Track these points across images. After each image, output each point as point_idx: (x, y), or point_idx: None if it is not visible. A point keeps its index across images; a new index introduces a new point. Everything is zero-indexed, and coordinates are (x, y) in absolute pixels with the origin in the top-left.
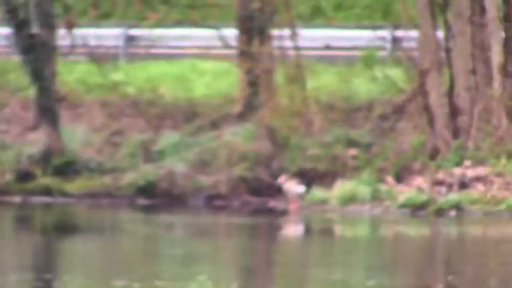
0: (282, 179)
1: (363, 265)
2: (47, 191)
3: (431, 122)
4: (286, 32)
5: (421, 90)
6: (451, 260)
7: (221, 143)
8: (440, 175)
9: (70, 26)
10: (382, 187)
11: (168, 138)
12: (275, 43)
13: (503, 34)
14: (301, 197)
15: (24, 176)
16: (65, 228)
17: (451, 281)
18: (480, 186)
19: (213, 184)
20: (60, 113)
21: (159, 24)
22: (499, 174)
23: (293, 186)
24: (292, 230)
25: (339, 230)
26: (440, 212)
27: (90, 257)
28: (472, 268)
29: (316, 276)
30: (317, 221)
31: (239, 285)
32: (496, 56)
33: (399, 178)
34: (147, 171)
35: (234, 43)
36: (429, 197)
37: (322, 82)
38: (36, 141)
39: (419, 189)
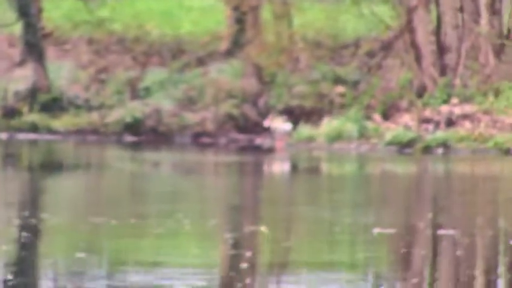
0: (267, 121)
1: (348, 203)
2: (34, 128)
3: (418, 59)
4: None
5: (408, 28)
6: (437, 198)
7: (208, 80)
8: (427, 113)
9: None
10: (369, 125)
11: (155, 75)
12: None
13: None
14: (288, 134)
15: (10, 113)
16: (51, 165)
17: (434, 218)
18: (467, 124)
19: (200, 121)
20: (46, 50)
21: None
22: (486, 112)
23: (280, 124)
24: (279, 167)
25: (325, 167)
26: (427, 150)
27: (74, 194)
28: (459, 206)
29: (299, 214)
30: (304, 158)
31: (219, 222)
32: None
33: (386, 116)
34: (133, 109)
35: None
36: (416, 135)
37: (309, 19)
38: (23, 78)
39: (407, 127)
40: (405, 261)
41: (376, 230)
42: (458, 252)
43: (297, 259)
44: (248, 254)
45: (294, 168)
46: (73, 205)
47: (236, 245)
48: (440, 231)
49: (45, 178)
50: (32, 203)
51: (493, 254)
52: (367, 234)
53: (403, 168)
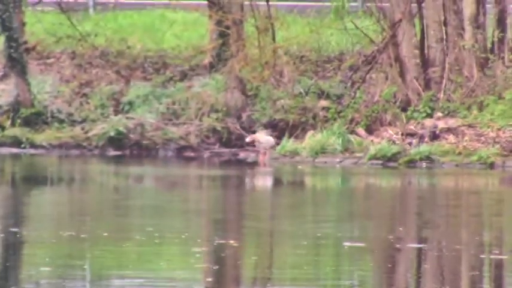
0: (249, 138)
1: (326, 217)
2: (16, 142)
3: (402, 73)
4: None
5: (393, 42)
6: (417, 212)
7: (191, 94)
8: (411, 126)
9: None
10: (353, 138)
11: (138, 89)
12: None
13: None
14: (271, 148)
15: None
16: (33, 179)
17: (408, 232)
18: (451, 138)
19: (183, 135)
20: (28, 64)
21: None
22: (470, 126)
23: (263, 138)
24: (262, 181)
25: (309, 181)
26: (411, 164)
27: (51, 208)
28: (438, 219)
29: (274, 227)
30: (287, 172)
31: (190, 236)
32: (468, 7)
33: (370, 129)
34: (117, 123)
35: None
36: (400, 149)
37: (293, 33)
38: (5, 92)
39: (391, 141)
40: (367, 275)
41: (347, 244)
42: (425, 266)
43: (259, 274)
44: (213, 267)
45: (277, 182)
46: (47, 218)
47: (203, 258)
48: (409, 245)
49: (26, 192)
50: (7, 215)
51: (459, 267)
52: (337, 247)
53: (387, 181)
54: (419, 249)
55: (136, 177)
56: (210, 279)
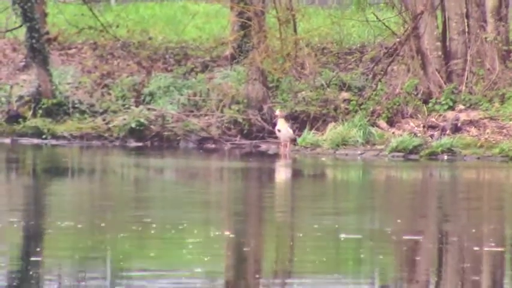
0: (277, 113)
1: (338, 209)
2: (37, 133)
3: (424, 65)
4: None
5: (414, 34)
6: (432, 203)
7: (212, 86)
8: (433, 119)
9: None
10: (375, 131)
11: (159, 80)
12: None
13: None
14: (293, 140)
15: (14, 118)
16: (54, 170)
17: (411, 223)
18: (473, 130)
19: (204, 127)
20: (50, 55)
21: None
22: (492, 118)
23: (284, 129)
24: (283, 173)
25: (330, 173)
26: (433, 156)
27: (72, 199)
28: (465, 213)
29: (280, 220)
30: (309, 164)
31: (187, 227)
32: None
33: (392, 122)
34: (138, 114)
35: None
36: (422, 141)
37: (314, 25)
38: (27, 83)
39: (412, 133)
40: (350, 265)
41: (343, 236)
42: (416, 258)
43: (248, 265)
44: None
45: (298, 174)
46: (52, 209)
47: (194, 248)
48: (406, 237)
49: (45, 183)
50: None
51: (448, 259)
52: (333, 239)
53: (408, 174)
54: (416, 241)
55: (157, 169)
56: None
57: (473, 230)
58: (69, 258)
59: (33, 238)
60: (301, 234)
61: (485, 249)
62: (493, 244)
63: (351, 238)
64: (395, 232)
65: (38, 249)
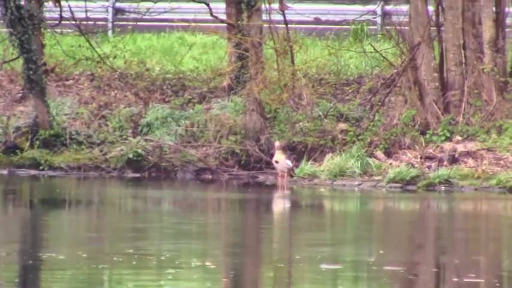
0: (276, 144)
1: (330, 240)
2: (35, 164)
3: (421, 96)
4: (275, 5)
5: (412, 65)
6: (440, 236)
7: (210, 117)
8: (430, 150)
9: None
10: (372, 161)
11: (157, 111)
12: (264, 16)
13: (494, 9)
14: (290, 171)
15: (11, 149)
16: (51, 201)
17: (396, 254)
18: (470, 162)
19: (202, 158)
20: (47, 86)
21: None
22: (490, 150)
23: (282, 160)
24: (281, 204)
25: (328, 204)
26: (430, 187)
27: (69, 230)
28: (454, 244)
29: (268, 251)
30: (306, 195)
31: (171, 256)
32: (487, 30)
33: (389, 153)
34: (135, 145)
35: (222, 16)
36: (419, 172)
37: (311, 56)
38: (24, 114)
39: (409, 164)
40: None
41: (324, 266)
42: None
43: None
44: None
45: (296, 205)
46: (40, 240)
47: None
48: (387, 267)
49: (42, 215)
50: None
51: None
52: (312, 269)
53: (406, 205)
54: (396, 272)
55: (154, 200)
56: None
57: (457, 261)
58: None
59: (22, 270)
60: (282, 265)
61: (465, 280)
62: (473, 275)
63: (331, 269)
64: (377, 263)
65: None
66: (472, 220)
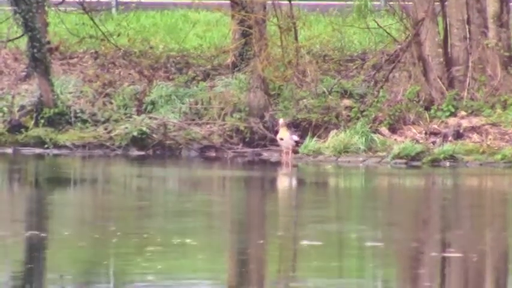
0: (280, 121)
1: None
2: (39, 142)
3: (425, 72)
4: None
5: (416, 40)
6: (445, 212)
7: (214, 94)
8: (435, 125)
9: None
10: (377, 137)
11: (161, 89)
12: None
13: None
14: (295, 147)
15: (16, 127)
16: (56, 180)
17: (380, 231)
18: (475, 137)
19: (206, 135)
20: (52, 64)
21: None
22: (494, 125)
23: (286, 137)
24: (286, 181)
25: (333, 181)
26: (435, 163)
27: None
28: (468, 220)
29: (257, 228)
30: (311, 172)
31: (150, 236)
32: (491, 5)
33: (393, 129)
34: (139, 123)
35: None
36: (424, 148)
37: (315, 32)
38: (28, 93)
39: (414, 140)
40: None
41: (305, 242)
42: (369, 264)
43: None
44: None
45: (301, 182)
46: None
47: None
48: (368, 243)
49: (48, 193)
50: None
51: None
52: (294, 246)
53: (411, 181)
54: (378, 247)
55: (159, 178)
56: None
57: (438, 236)
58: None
59: (34, 249)
60: (262, 241)
61: (443, 254)
62: (452, 250)
63: (312, 245)
64: (359, 239)
65: (38, 260)
66: (470, 196)
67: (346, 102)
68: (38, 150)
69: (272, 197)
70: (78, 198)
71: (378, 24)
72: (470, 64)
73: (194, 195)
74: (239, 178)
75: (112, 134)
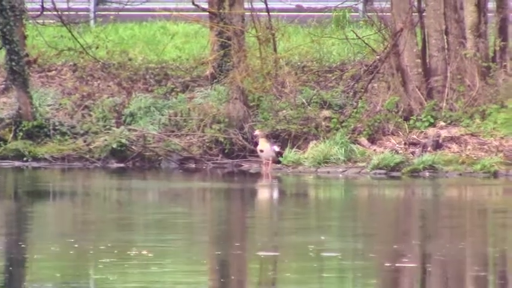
0: (256, 133)
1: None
2: (18, 155)
3: (404, 82)
4: None
5: (394, 51)
6: (416, 223)
7: (193, 105)
8: (414, 136)
9: None
10: (356, 148)
11: (140, 101)
12: (246, 4)
13: None
14: (275, 158)
15: None
16: (35, 192)
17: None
18: (454, 147)
19: (186, 147)
20: (30, 77)
21: None
22: (473, 135)
23: (267, 148)
24: (266, 192)
25: (312, 192)
26: (414, 173)
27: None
28: (436, 231)
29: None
30: (291, 183)
31: (110, 246)
32: (469, 15)
33: (373, 139)
34: (119, 134)
35: (204, 5)
36: (403, 158)
37: (294, 43)
38: (7, 105)
39: (393, 150)
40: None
41: (261, 253)
42: (322, 274)
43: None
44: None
45: (281, 193)
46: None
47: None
48: (325, 254)
49: (27, 206)
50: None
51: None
52: (249, 257)
53: (390, 191)
54: (334, 257)
55: (139, 190)
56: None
57: (395, 246)
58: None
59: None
60: (219, 252)
61: (396, 265)
62: (406, 260)
63: (267, 255)
64: (317, 249)
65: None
66: (446, 207)
67: (326, 113)
68: (17, 163)
69: (247, 208)
70: (49, 211)
71: (356, 35)
72: (448, 74)
73: (168, 207)
74: (218, 189)
75: (91, 146)
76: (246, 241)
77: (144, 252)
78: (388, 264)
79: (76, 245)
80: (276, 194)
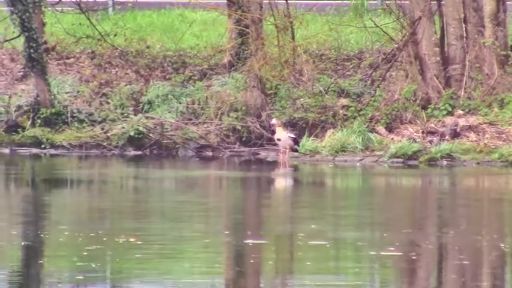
0: (273, 122)
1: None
2: (36, 143)
3: (422, 71)
4: None
5: (412, 39)
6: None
7: (211, 94)
8: (431, 124)
9: None
10: (374, 137)
11: (157, 88)
12: None
13: None
14: (293, 147)
15: (13, 128)
16: (52, 180)
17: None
18: (472, 136)
19: (203, 135)
20: (48, 64)
21: None
22: (491, 124)
23: (284, 137)
24: (282, 181)
25: (329, 181)
26: (432, 162)
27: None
28: (464, 220)
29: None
30: (308, 171)
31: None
32: (488, 4)
33: (390, 128)
34: (136, 122)
35: None
36: (421, 147)
37: (312, 31)
38: (25, 93)
39: (411, 139)
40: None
41: (249, 241)
42: (307, 262)
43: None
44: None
45: (298, 181)
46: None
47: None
48: (312, 242)
49: (45, 193)
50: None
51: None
52: (236, 244)
53: (408, 180)
54: (323, 246)
55: (156, 179)
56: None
57: (385, 235)
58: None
59: (31, 248)
60: (208, 240)
61: (381, 253)
62: (392, 249)
63: (254, 243)
64: (304, 238)
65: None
66: (460, 196)
67: (343, 101)
68: (34, 150)
69: (261, 197)
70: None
71: (374, 24)
72: (467, 63)
73: (183, 195)
74: (234, 178)
75: (109, 134)
76: (237, 230)
77: (132, 239)
78: (373, 253)
79: (66, 232)
80: (293, 183)
